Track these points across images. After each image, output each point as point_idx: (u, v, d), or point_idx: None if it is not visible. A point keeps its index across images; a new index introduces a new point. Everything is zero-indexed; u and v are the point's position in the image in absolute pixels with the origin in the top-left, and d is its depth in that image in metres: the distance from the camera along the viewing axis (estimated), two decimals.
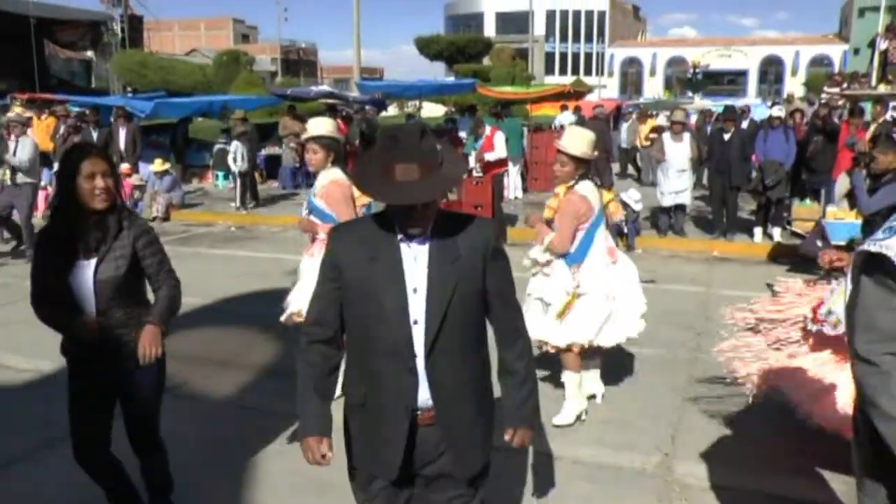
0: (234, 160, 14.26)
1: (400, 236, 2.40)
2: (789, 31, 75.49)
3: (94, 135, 14.55)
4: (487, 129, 12.58)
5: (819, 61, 67.45)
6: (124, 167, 14.00)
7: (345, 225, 2.67)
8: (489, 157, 11.95)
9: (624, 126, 20.03)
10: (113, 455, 3.61)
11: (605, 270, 4.88)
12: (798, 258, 9.77)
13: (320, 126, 4.99)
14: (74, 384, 3.54)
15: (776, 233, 11.02)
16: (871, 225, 6.30)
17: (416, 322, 2.37)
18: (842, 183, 9.66)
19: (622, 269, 5.05)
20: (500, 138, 12.40)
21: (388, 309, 2.37)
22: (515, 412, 2.58)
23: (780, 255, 10.41)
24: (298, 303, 4.87)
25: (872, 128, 10.60)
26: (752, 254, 10.72)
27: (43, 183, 14.27)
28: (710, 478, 4.33)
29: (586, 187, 4.82)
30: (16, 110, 16.06)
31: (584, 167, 4.82)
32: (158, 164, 14.13)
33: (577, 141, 4.77)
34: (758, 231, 11.19)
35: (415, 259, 2.39)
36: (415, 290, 2.37)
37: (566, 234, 4.77)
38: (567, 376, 5.02)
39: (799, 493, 4.17)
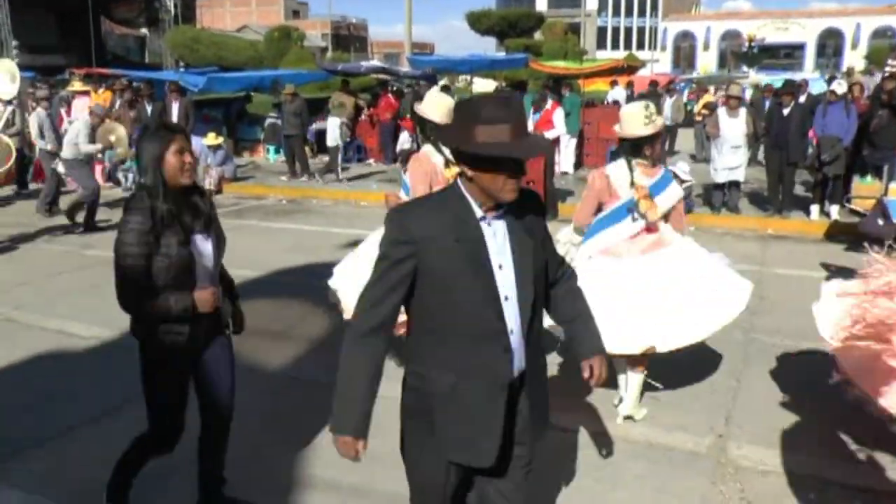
0: (341, 135, 14.68)
1: (479, 214, 2.34)
2: (850, 3, 72.99)
3: (149, 109, 14.82)
4: (549, 104, 12.46)
5: (882, 33, 65.23)
6: None
7: (415, 204, 2.55)
8: (549, 135, 11.80)
9: (668, 102, 18.69)
10: None
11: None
12: (856, 237, 9.53)
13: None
14: (166, 372, 3.35)
15: (833, 210, 10.75)
16: None
17: (506, 298, 2.35)
18: None
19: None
20: (559, 114, 12.26)
21: (477, 289, 2.31)
22: (592, 342, 2.60)
23: (837, 233, 10.16)
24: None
25: None
26: (808, 232, 10.48)
27: (100, 155, 14.61)
28: (764, 461, 4.26)
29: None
30: (76, 85, 16.44)
31: None
32: (212, 138, 14.31)
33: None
34: (814, 209, 10.93)
35: (494, 235, 2.35)
36: (500, 267, 2.34)
37: None
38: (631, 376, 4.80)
39: (857, 479, 4.07)
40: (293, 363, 5.82)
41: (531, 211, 2.46)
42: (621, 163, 4.55)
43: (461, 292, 2.31)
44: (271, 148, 18.27)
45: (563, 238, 4.86)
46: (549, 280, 2.58)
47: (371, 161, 17.68)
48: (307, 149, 15.99)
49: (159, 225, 3.12)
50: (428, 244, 2.30)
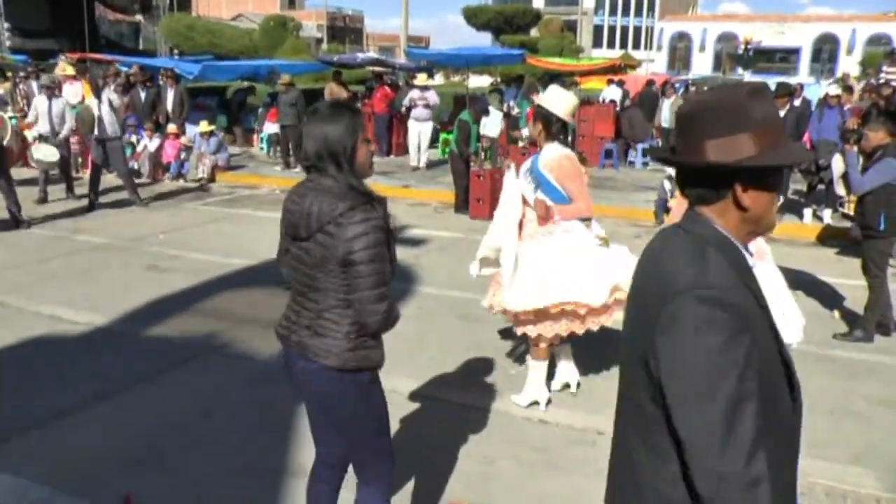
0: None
1: (751, 261, 1.73)
2: (846, 9, 73.20)
3: (143, 95, 14.76)
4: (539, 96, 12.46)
5: (877, 40, 65.40)
6: (171, 128, 14.18)
7: (709, 262, 1.62)
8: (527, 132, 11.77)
9: (666, 103, 17.31)
10: None
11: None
12: (848, 241, 9.57)
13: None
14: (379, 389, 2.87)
15: (826, 214, 10.79)
16: (864, 205, 6.19)
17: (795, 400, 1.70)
18: (838, 163, 9.41)
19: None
20: None
21: (780, 375, 1.66)
22: None
23: (829, 237, 10.19)
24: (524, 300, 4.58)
25: None
26: (800, 235, 10.50)
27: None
28: None
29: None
30: (65, 68, 16.27)
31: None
32: (204, 126, 14.24)
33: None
34: (807, 212, 10.96)
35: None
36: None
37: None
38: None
39: (825, 479, 4.12)
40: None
41: None
42: None
43: (770, 381, 1.61)
44: (265, 137, 18.19)
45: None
46: None
47: None
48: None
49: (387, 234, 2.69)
50: (752, 317, 1.59)
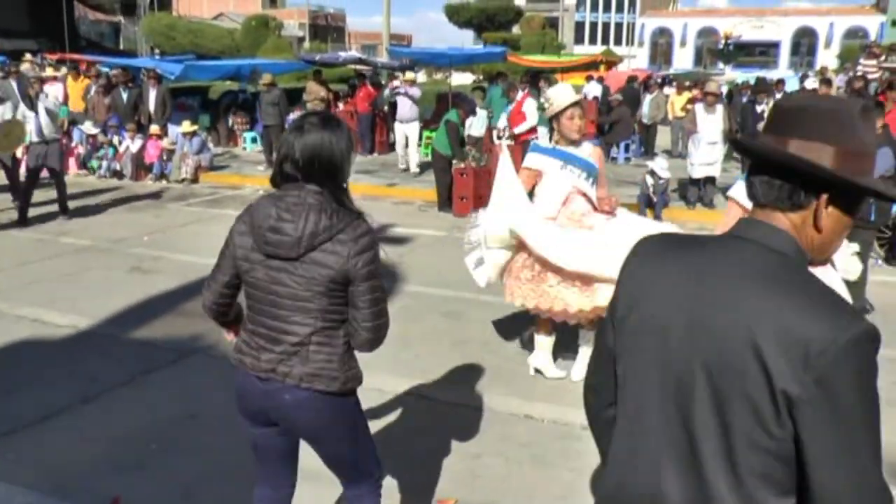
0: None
1: None
2: (823, 2, 73.87)
3: (125, 95, 14.68)
4: (520, 94, 12.48)
5: (854, 33, 65.99)
6: (154, 128, 14.12)
7: None
8: (518, 129, 11.82)
9: (647, 98, 17.90)
10: None
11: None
12: None
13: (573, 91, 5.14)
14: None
15: None
16: None
17: None
18: None
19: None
20: (530, 104, 12.25)
21: None
22: None
23: None
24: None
25: None
26: None
27: (74, 142, 14.48)
28: None
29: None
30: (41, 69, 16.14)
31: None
32: (187, 126, 14.18)
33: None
34: None
35: None
36: None
37: None
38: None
39: None
40: None
41: None
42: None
43: None
44: (248, 137, 18.16)
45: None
46: None
47: None
48: None
49: None
50: None
